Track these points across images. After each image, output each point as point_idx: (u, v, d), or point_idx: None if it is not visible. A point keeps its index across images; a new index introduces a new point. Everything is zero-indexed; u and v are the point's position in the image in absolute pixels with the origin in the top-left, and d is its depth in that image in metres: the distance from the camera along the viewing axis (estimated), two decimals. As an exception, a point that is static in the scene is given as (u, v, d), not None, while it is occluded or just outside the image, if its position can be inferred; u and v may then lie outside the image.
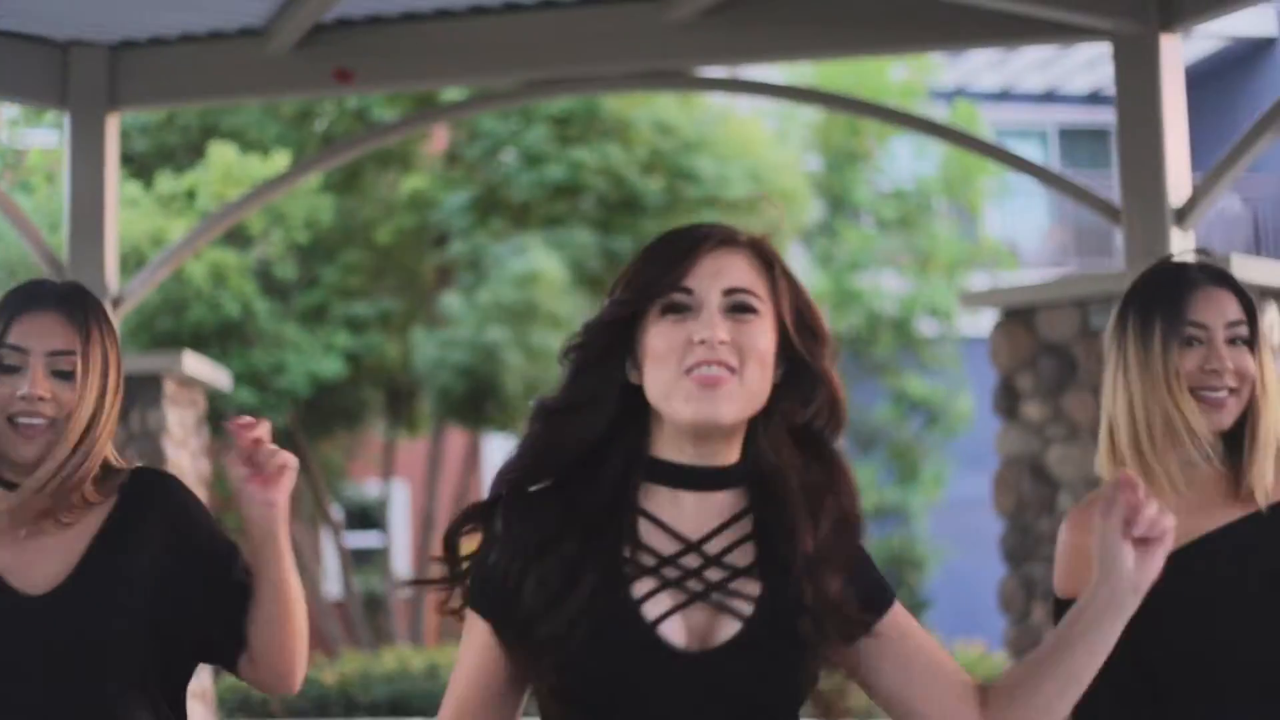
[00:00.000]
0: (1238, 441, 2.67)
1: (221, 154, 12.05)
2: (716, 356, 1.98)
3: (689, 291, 2.02)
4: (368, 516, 18.71)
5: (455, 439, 16.52)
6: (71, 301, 2.63)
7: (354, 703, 12.99)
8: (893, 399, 16.71)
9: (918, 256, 16.72)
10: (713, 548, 2.04)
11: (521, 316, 12.78)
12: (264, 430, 2.39)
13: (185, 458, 8.75)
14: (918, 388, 16.64)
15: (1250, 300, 2.71)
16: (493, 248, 13.11)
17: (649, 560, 2.02)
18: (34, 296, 2.63)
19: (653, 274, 2.04)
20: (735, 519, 2.06)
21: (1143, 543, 2.02)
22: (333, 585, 17.19)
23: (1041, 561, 7.21)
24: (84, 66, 7.95)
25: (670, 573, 2.02)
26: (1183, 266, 2.76)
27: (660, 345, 2.01)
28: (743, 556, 2.04)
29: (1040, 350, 7.35)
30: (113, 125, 8.20)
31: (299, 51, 7.72)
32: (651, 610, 2.00)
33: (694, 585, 2.01)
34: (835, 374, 2.09)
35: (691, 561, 2.03)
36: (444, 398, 13.32)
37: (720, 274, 2.03)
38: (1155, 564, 2.02)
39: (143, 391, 8.27)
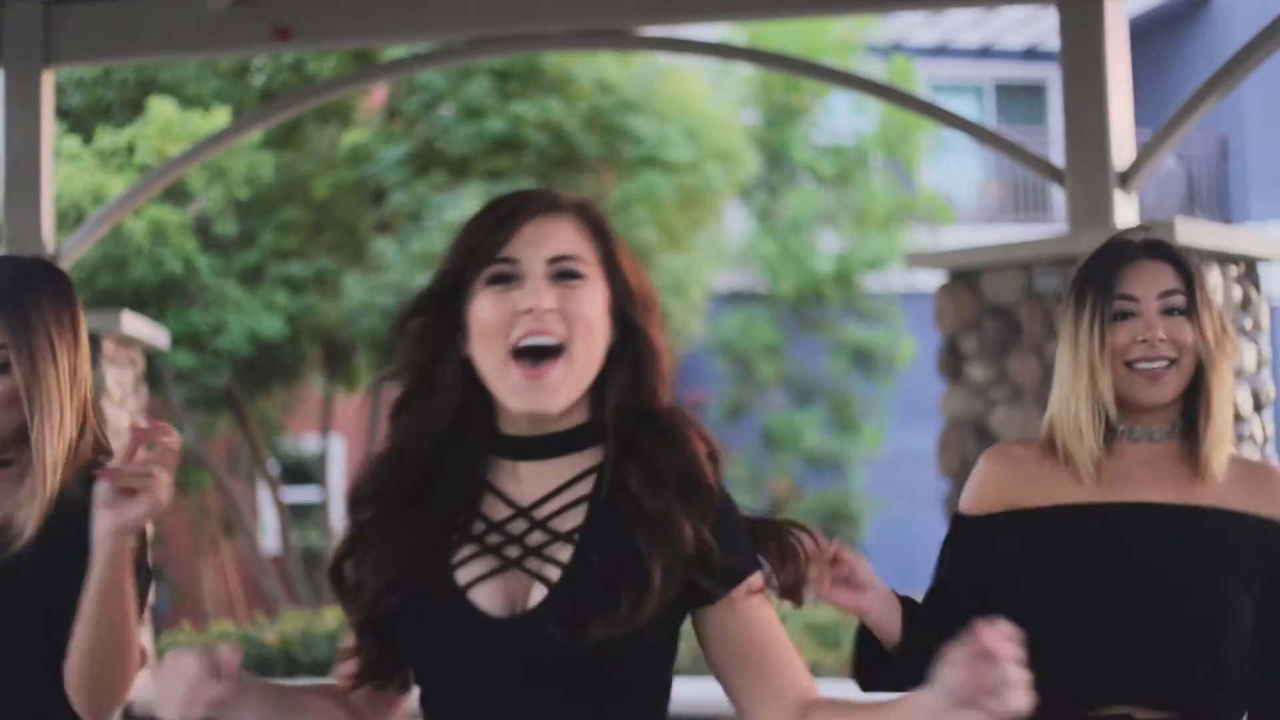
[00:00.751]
0: (1194, 415, 2.66)
1: (161, 109, 11.93)
2: (543, 325, 1.96)
3: (513, 261, 1.99)
4: (305, 472, 18.65)
5: (392, 393, 16.41)
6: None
7: (295, 662, 12.99)
8: (833, 352, 16.80)
9: (854, 212, 16.75)
10: (542, 512, 2.02)
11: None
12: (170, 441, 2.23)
13: (124, 418, 8.70)
14: (857, 337, 16.71)
15: (1189, 269, 2.70)
16: (433, 199, 13.06)
17: (478, 528, 2.02)
18: None
19: (475, 242, 2.01)
20: (574, 481, 2.03)
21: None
22: (271, 541, 17.15)
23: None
24: (19, 23, 7.88)
25: (493, 539, 2.01)
26: (1120, 243, 2.75)
27: (486, 316, 1.98)
28: (570, 519, 2.01)
29: (985, 312, 7.38)
30: (48, 82, 8.13)
31: (238, 8, 7.67)
32: (463, 576, 2.00)
33: (511, 551, 2.00)
34: (662, 339, 2.07)
35: (517, 527, 2.02)
36: (370, 339, 13.23)
37: (544, 241, 2.00)
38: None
39: (82, 351, 8.21)
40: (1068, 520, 2.65)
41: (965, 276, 7.46)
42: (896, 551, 16.40)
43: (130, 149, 11.99)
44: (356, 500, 2.08)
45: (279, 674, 12.64)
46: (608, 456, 2.03)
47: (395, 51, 11.35)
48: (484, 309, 1.98)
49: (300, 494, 18.49)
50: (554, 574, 1.97)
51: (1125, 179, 7.00)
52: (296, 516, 17.05)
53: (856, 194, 16.70)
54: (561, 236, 2.01)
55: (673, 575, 1.96)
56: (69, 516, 2.44)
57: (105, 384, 8.32)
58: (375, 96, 14.52)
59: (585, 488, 2.03)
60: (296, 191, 13.45)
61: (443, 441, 2.05)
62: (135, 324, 8.76)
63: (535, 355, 1.97)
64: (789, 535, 2.10)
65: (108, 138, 12.20)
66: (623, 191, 13.13)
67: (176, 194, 12.55)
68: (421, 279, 10.98)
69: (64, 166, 11.63)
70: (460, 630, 1.97)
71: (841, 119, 17.46)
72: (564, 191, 2.09)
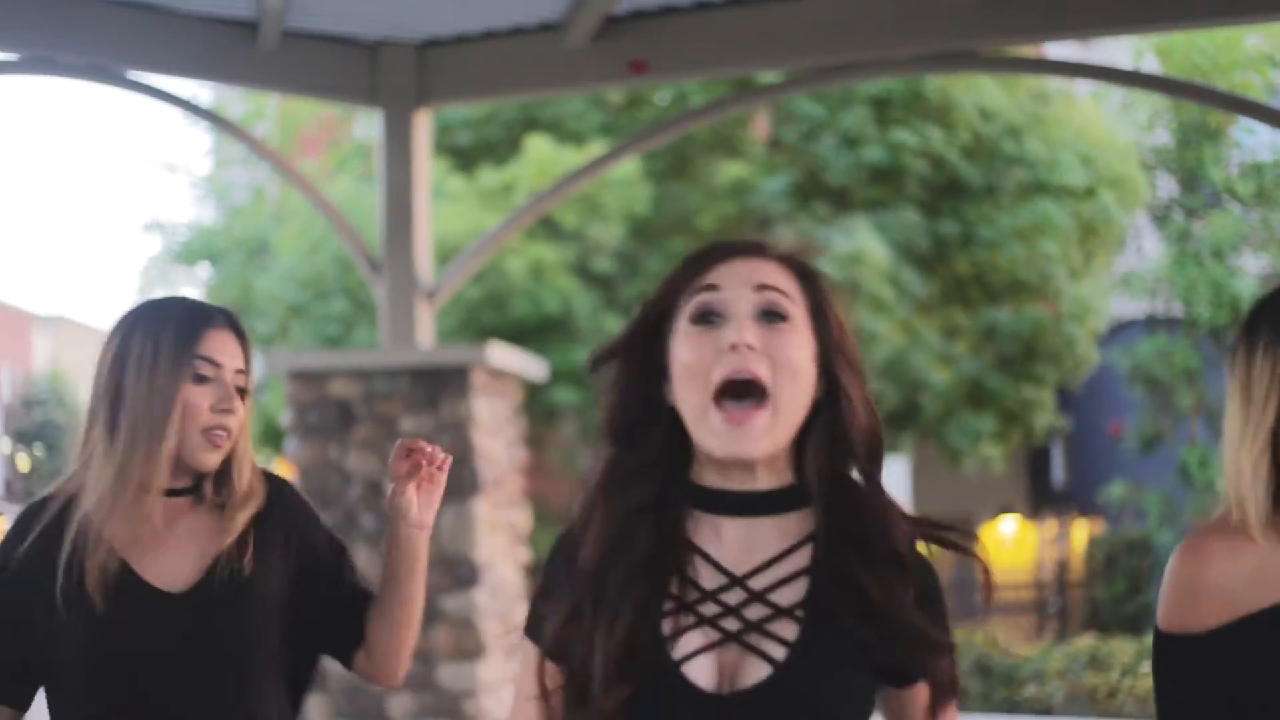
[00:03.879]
0: None
1: (537, 146, 12.22)
2: (746, 364, 1.86)
3: (716, 288, 1.91)
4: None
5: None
6: (237, 320, 2.80)
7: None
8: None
9: (1277, 233, 15.84)
10: (759, 582, 1.92)
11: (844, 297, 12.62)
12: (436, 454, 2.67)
13: (499, 446, 8.89)
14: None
15: None
16: (818, 231, 13.01)
17: (691, 595, 1.91)
18: (209, 315, 2.76)
19: (679, 275, 1.96)
20: (790, 551, 1.93)
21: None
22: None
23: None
24: (394, 65, 8.17)
25: (708, 609, 1.90)
26: None
27: (687, 356, 1.90)
28: (791, 593, 1.91)
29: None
30: (421, 121, 8.42)
31: (595, 44, 7.77)
32: (680, 649, 1.89)
33: (729, 624, 1.89)
34: (868, 401, 1.94)
35: (733, 598, 1.91)
36: None
37: (751, 274, 1.92)
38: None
39: (450, 383, 8.45)
40: None
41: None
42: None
43: (508, 187, 12.31)
44: (573, 566, 1.97)
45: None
46: (820, 525, 1.93)
47: (767, 77, 11.33)
48: (685, 349, 1.91)
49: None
50: (778, 652, 1.87)
51: None
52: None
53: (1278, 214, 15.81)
54: (768, 271, 1.93)
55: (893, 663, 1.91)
56: (266, 529, 2.72)
57: (473, 413, 8.51)
58: (759, 128, 14.57)
59: (802, 559, 1.92)
60: (681, 225, 13.59)
61: (650, 497, 1.96)
62: (506, 356, 8.95)
63: (738, 395, 1.88)
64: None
65: (488, 176, 12.56)
66: (1012, 218, 12.75)
67: (556, 231, 12.82)
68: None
69: (448, 206, 12.02)
70: (670, 703, 1.88)
71: (1263, 134, 16.55)
72: (778, 239, 2.02)
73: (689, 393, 1.90)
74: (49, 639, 2.62)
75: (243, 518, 2.69)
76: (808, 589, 1.90)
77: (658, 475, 1.95)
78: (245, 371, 2.73)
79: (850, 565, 1.89)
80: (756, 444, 1.87)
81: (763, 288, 1.91)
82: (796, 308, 1.92)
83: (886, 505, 1.94)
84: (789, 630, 1.88)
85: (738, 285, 1.91)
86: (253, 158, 17.26)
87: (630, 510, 1.94)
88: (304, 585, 2.75)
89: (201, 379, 2.67)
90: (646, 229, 13.49)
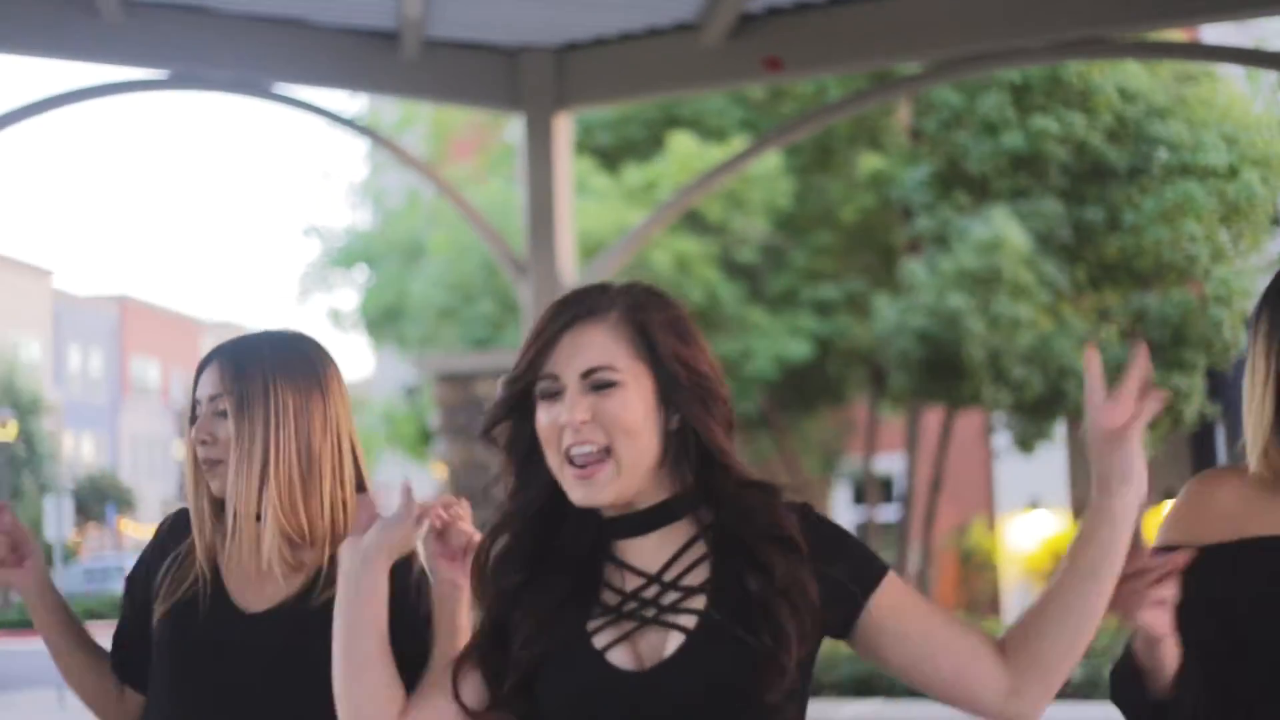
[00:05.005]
0: None
1: (680, 144, 12.31)
2: (581, 437, 2.12)
3: (554, 378, 2.16)
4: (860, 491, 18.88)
5: (932, 413, 16.48)
6: (229, 348, 2.80)
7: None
8: None
9: None
10: (671, 574, 2.16)
11: (984, 284, 12.64)
12: (462, 510, 2.44)
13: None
14: None
15: None
16: (958, 221, 12.95)
17: (613, 599, 2.17)
18: (208, 358, 2.81)
19: (528, 358, 2.19)
20: (692, 542, 2.17)
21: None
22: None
23: None
24: (532, 70, 8.31)
25: (628, 606, 2.15)
26: None
27: (540, 427, 2.17)
28: (698, 575, 2.14)
29: None
30: (562, 124, 8.55)
31: (730, 42, 7.85)
32: (600, 641, 2.14)
33: (647, 613, 2.14)
34: (715, 421, 2.16)
35: (650, 593, 2.16)
36: (903, 361, 13.25)
37: (576, 354, 2.16)
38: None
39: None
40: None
41: None
42: None
43: (651, 184, 12.42)
44: (494, 568, 2.25)
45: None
46: (712, 519, 2.17)
47: (905, 69, 11.31)
48: (540, 421, 2.17)
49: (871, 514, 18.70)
50: (690, 622, 2.11)
51: None
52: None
53: None
54: (596, 347, 2.15)
55: (804, 624, 2.09)
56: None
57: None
58: (902, 118, 14.53)
59: (701, 549, 2.16)
60: (825, 217, 13.60)
61: (550, 520, 2.22)
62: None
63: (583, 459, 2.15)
64: None
65: (632, 174, 12.67)
66: (1157, 201, 12.61)
67: (701, 226, 12.90)
68: (955, 301, 10.84)
69: (593, 204, 12.15)
70: (598, 687, 2.11)
71: None
72: (612, 286, 2.23)
73: (548, 454, 2.17)
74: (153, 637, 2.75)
75: (290, 553, 2.69)
76: (710, 569, 2.14)
77: (551, 506, 2.22)
78: (223, 395, 2.73)
79: (744, 539, 2.12)
80: (602, 492, 2.13)
81: (588, 373, 2.14)
82: (621, 372, 2.14)
83: (756, 486, 2.17)
84: (698, 602, 2.11)
85: (567, 370, 2.15)
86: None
87: (535, 533, 2.22)
88: None
89: (194, 419, 2.77)
90: (790, 222, 13.52)
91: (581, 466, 2.13)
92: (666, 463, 2.17)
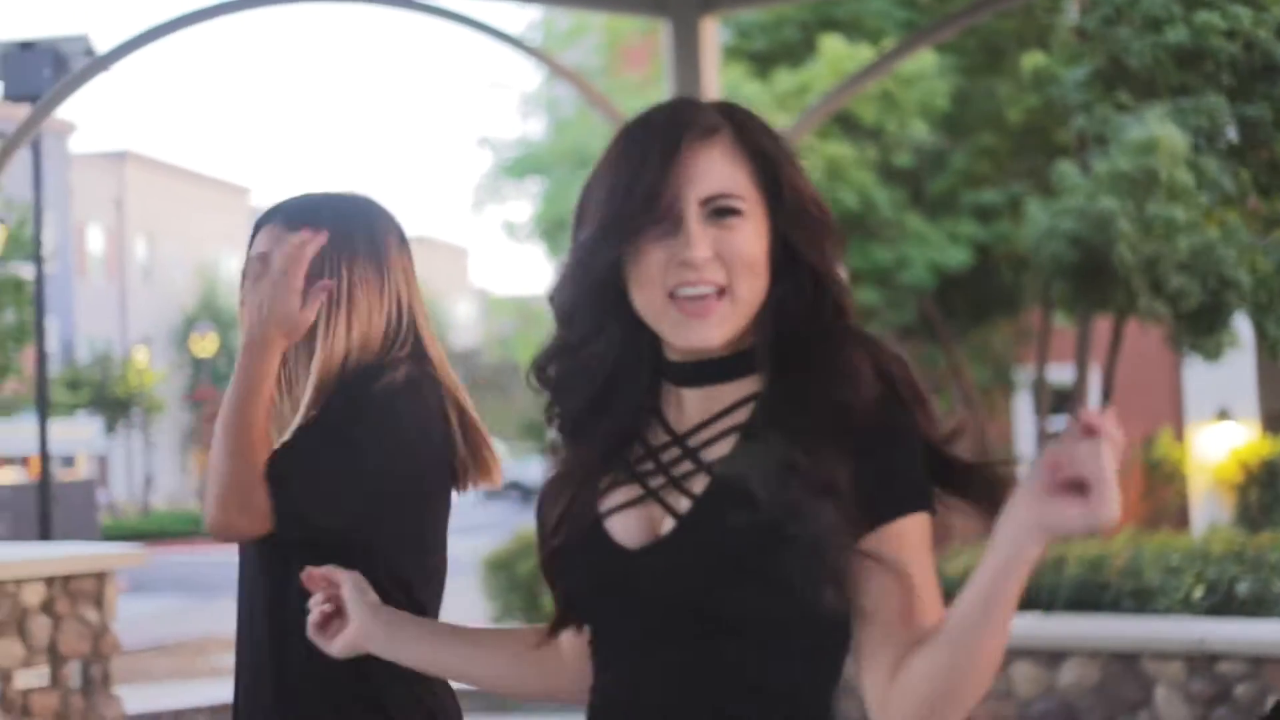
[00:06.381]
0: None
1: (831, 46, 12.17)
2: (700, 276, 1.84)
3: (667, 205, 1.84)
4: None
5: (1104, 321, 16.17)
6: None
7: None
8: None
9: None
10: (695, 440, 1.90)
11: (1139, 186, 12.20)
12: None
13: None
14: None
15: None
16: (1117, 120, 12.59)
17: (637, 453, 1.93)
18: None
19: (624, 191, 1.86)
20: (731, 409, 1.90)
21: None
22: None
23: None
24: (679, -26, 8.30)
25: (644, 466, 1.91)
26: None
27: (642, 268, 1.86)
28: (719, 449, 1.88)
29: None
30: (708, 29, 8.51)
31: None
32: (606, 504, 1.92)
33: (655, 480, 1.90)
34: (831, 260, 1.89)
35: (669, 455, 1.91)
36: (1056, 267, 12.80)
37: (695, 179, 1.85)
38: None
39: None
40: None
41: None
42: None
43: (803, 89, 12.31)
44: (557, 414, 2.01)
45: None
46: (764, 385, 1.89)
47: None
48: (640, 260, 1.87)
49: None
50: (683, 505, 1.86)
51: None
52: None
53: None
54: (715, 171, 1.86)
55: (835, 513, 1.76)
56: None
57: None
58: (1070, 16, 14.17)
59: (740, 416, 1.88)
60: (989, 119, 13.35)
61: (615, 371, 1.95)
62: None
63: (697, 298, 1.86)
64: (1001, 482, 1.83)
65: (784, 79, 12.57)
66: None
67: (855, 130, 12.76)
68: (1107, 203, 10.59)
69: (745, 112, 12.08)
70: (591, 558, 1.90)
71: None
72: (703, 101, 1.91)
73: (647, 298, 1.88)
74: None
75: None
76: (734, 444, 1.87)
77: (618, 356, 1.95)
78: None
79: (783, 418, 1.83)
80: (716, 331, 1.85)
81: (709, 199, 1.86)
82: (745, 200, 1.87)
83: (844, 353, 1.86)
84: (700, 484, 1.86)
85: (683, 198, 1.85)
86: (582, 71, 17.66)
87: (594, 386, 1.96)
88: None
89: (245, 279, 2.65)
90: (953, 124, 13.31)
91: (692, 300, 1.84)
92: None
